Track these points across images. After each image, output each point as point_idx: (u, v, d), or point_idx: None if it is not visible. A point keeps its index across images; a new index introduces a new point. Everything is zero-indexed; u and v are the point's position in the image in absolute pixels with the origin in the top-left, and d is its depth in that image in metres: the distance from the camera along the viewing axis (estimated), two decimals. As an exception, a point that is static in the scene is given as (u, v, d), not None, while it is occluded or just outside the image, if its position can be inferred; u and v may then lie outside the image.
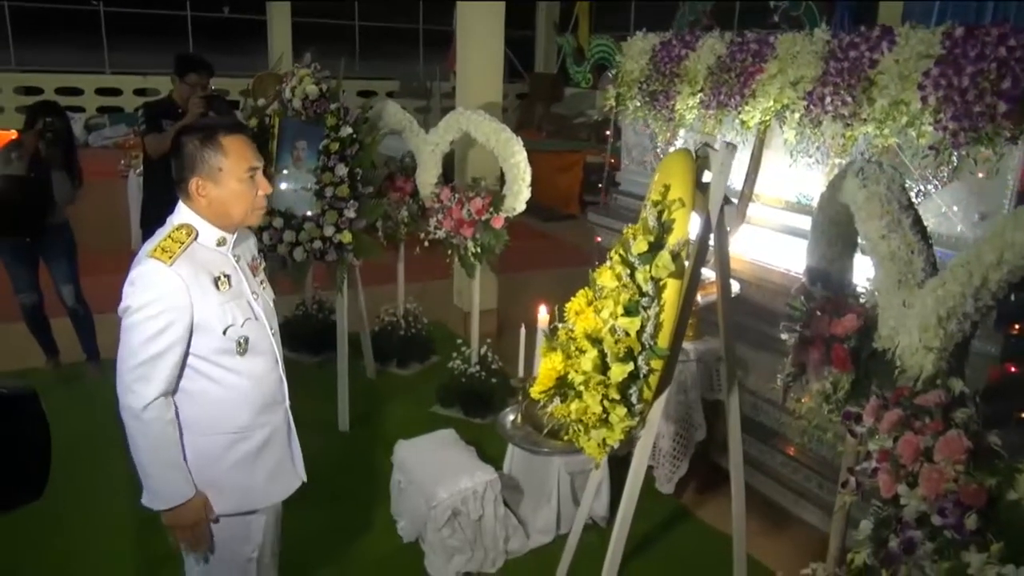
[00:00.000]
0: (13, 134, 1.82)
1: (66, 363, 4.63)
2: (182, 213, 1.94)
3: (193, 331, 1.87)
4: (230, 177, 1.91)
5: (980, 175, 2.60)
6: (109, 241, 6.45)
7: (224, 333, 1.91)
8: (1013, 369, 2.51)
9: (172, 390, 1.89)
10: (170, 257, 1.84)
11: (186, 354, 1.88)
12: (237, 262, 2.00)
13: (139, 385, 1.83)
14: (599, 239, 4.38)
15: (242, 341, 1.94)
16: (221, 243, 1.96)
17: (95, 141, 10.04)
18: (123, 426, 1.89)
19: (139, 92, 11.09)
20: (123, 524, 3.19)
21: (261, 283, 2.10)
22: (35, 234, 4.25)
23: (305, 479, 2.19)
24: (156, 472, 1.89)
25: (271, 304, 2.12)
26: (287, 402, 2.14)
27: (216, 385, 1.93)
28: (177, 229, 1.90)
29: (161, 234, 1.91)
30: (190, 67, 4.37)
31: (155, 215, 4.54)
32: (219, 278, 1.92)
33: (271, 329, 2.06)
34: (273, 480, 2.09)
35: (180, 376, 1.90)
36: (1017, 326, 2.52)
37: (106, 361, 4.55)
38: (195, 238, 1.91)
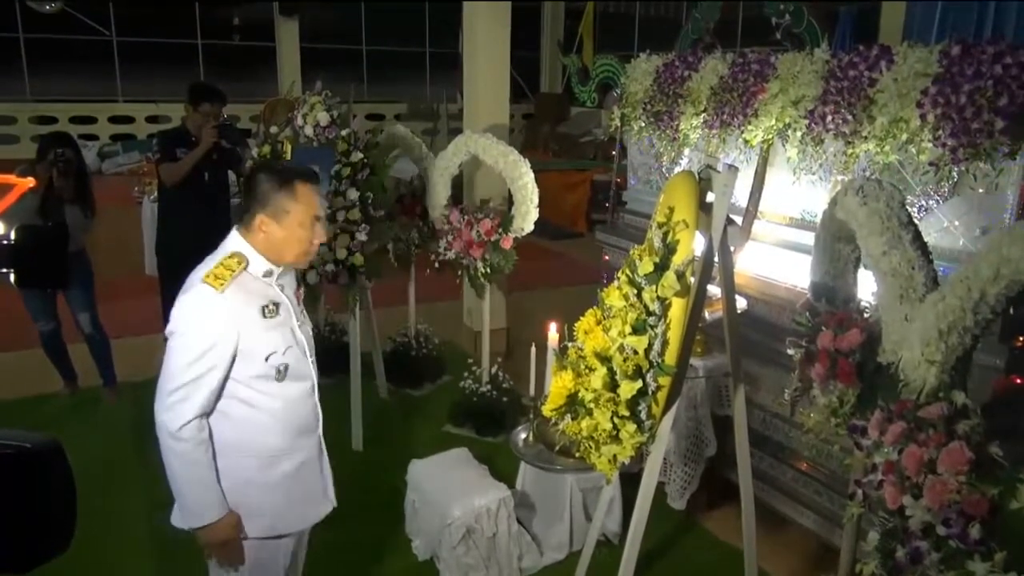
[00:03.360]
0: (31, 182, 1.88)
1: (83, 388, 4.70)
2: (235, 242, 2.00)
3: (236, 357, 1.93)
4: (294, 221, 1.99)
5: (980, 190, 2.65)
6: (124, 267, 6.56)
7: (266, 360, 1.97)
8: (1019, 381, 2.53)
9: (208, 412, 1.94)
10: (221, 284, 1.90)
11: (225, 378, 1.93)
12: (282, 291, 2.06)
13: (177, 406, 1.88)
14: (607, 257, 4.44)
15: (282, 368, 2.00)
16: (267, 274, 2.02)
17: (108, 169, 10.18)
18: (157, 445, 1.95)
19: (151, 120, 11.27)
20: (143, 547, 3.24)
21: (302, 312, 2.15)
22: (60, 284, 4.29)
23: (335, 504, 2.25)
24: (188, 490, 1.94)
25: (310, 333, 2.17)
26: (320, 429, 2.19)
27: (252, 409, 1.98)
28: (229, 257, 1.96)
29: (213, 260, 1.96)
30: (203, 96, 4.46)
31: (170, 241, 4.66)
32: (267, 306, 1.98)
33: (310, 357, 2.12)
34: (304, 504, 2.14)
35: (218, 399, 1.95)
36: (1022, 339, 2.55)
37: (123, 386, 4.63)
38: (245, 267, 1.96)
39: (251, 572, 2.06)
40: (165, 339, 1.95)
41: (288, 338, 2.02)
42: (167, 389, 1.89)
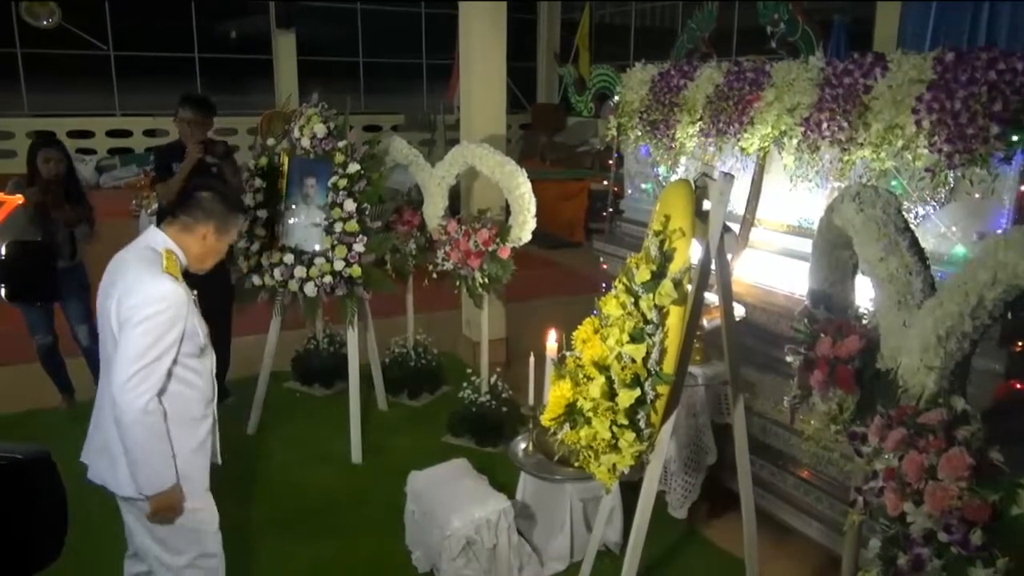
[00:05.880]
0: (19, 199, 2.05)
1: (80, 401, 4.69)
2: (167, 241, 2.32)
3: (184, 337, 2.22)
4: (227, 239, 2.44)
5: (976, 195, 2.65)
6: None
7: (200, 338, 2.30)
8: (1019, 386, 2.53)
9: (162, 389, 2.19)
10: (177, 273, 2.25)
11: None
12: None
13: (143, 385, 2.11)
14: (605, 266, 4.44)
15: (203, 346, 2.34)
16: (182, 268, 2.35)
17: (106, 182, 10.19)
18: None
19: (148, 133, 11.29)
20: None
21: None
22: (49, 298, 4.32)
23: (220, 462, 2.53)
24: (151, 460, 2.17)
25: None
26: (216, 398, 2.48)
27: (181, 384, 2.25)
28: (170, 253, 2.28)
29: (153, 256, 2.25)
30: (182, 103, 4.43)
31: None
32: (193, 295, 2.31)
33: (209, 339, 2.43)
34: (209, 463, 2.43)
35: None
36: (1021, 343, 2.55)
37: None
38: (179, 261, 2.32)
39: (206, 524, 2.38)
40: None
41: (202, 321, 2.35)
42: (132, 370, 2.10)
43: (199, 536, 2.38)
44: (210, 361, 2.40)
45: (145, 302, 2.14)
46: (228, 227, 2.41)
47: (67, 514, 0.96)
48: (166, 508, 2.23)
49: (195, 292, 2.35)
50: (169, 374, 2.20)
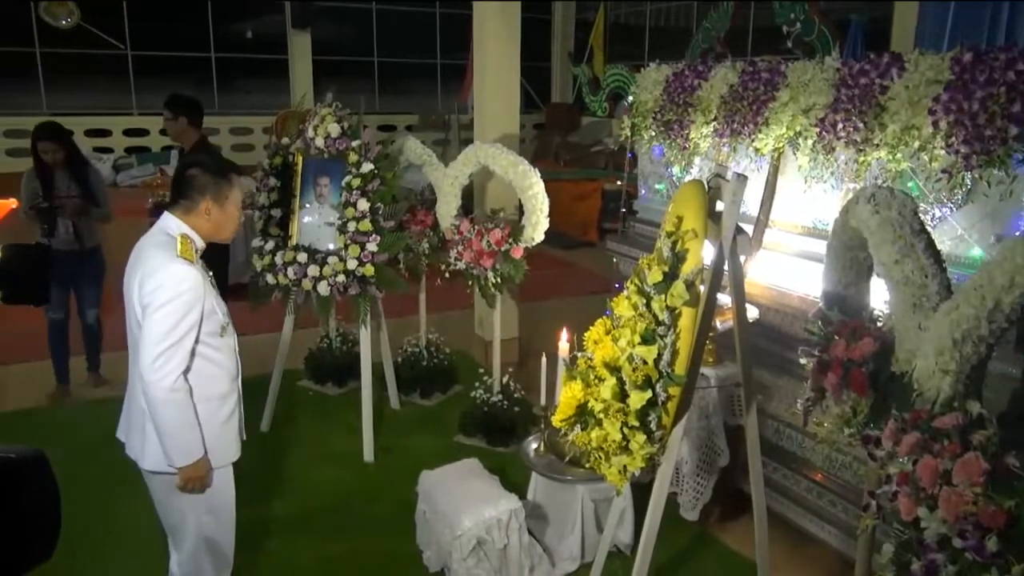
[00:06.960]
0: (13, 203, 2.13)
1: (94, 399, 4.73)
2: (181, 225, 2.39)
3: (203, 317, 2.31)
4: (232, 204, 2.46)
5: (995, 197, 2.62)
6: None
7: (221, 317, 2.40)
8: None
9: (188, 368, 2.29)
10: (192, 258, 2.32)
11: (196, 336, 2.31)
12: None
13: (168, 365, 2.22)
14: (619, 266, 4.43)
15: (225, 325, 2.43)
16: (199, 251, 2.42)
17: (123, 181, 10.25)
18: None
19: (165, 132, 11.34)
20: (141, 550, 3.24)
21: None
22: (43, 301, 4.46)
23: (245, 437, 2.62)
24: (182, 434, 2.30)
25: None
26: (240, 376, 2.58)
27: (206, 361, 2.36)
28: (184, 238, 2.35)
29: (169, 241, 2.33)
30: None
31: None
32: (208, 275, 2.41)
33: (230, 317, 2.53)
34: (236, 438, 2.55)
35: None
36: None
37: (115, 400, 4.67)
38: (195, 245, 2.38)
39: (222, 497, 2.49)
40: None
41: (220, 301, 2.43)
42: (157, 351, 2.21)
43: (222, 501, 2.52)
44: (233, 339, 2.49)
45: (163, 287, 2.23)
46: (226, 194, 2.43)
47: (60, 513, 0.97)
48: (195, 478, 2.36)
49: (211, 273, 2.42)
50: (193, 353, 2.30)
